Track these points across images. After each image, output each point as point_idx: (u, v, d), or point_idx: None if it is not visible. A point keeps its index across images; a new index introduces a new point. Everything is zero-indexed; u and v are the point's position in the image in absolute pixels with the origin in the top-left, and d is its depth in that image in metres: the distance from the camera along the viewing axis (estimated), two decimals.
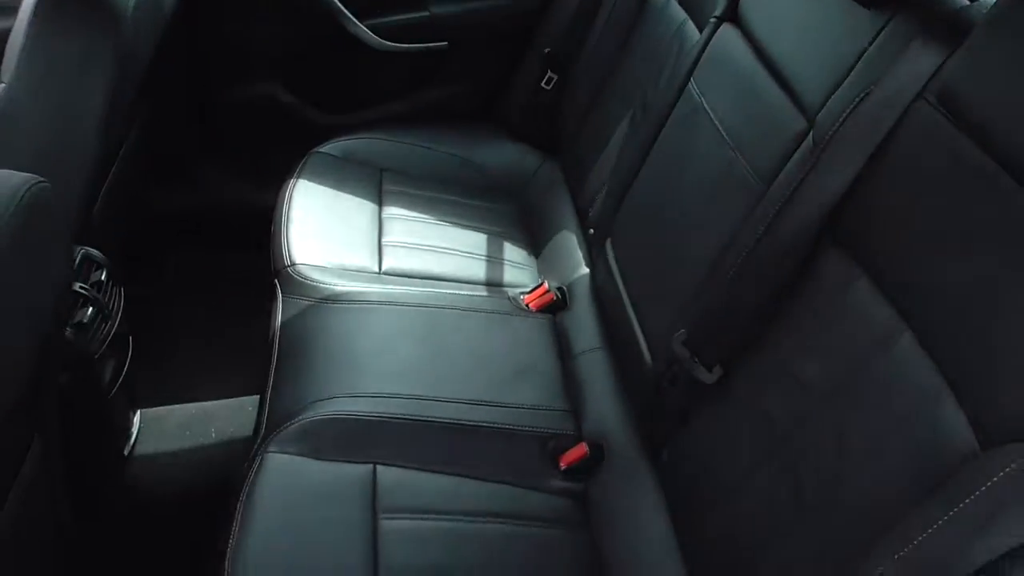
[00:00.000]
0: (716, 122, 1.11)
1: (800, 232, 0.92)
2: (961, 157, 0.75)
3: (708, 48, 1.18)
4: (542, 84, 1.72)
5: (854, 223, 0.87)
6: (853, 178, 0.87)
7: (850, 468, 0.80)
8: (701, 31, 1.27)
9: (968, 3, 0.82)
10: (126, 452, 1.26)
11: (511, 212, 1.68)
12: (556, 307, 1.45)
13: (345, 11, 1.65)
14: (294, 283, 1.35)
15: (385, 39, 1.68)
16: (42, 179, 0.75)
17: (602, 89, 1.60)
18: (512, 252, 1.57)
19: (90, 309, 1.04)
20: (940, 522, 0.66)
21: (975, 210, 0.73)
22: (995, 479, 0.63)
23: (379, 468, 1.10)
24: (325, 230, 1.46)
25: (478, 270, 1.50)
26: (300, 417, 1.12)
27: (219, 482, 1.23)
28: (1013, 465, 0.62)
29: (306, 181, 1.55)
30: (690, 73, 1.21)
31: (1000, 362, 0.68)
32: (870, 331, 0.82)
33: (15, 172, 0.73)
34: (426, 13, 1.72)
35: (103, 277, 1.10)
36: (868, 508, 0.76)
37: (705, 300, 1.04)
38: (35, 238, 0.74)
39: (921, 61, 0.82)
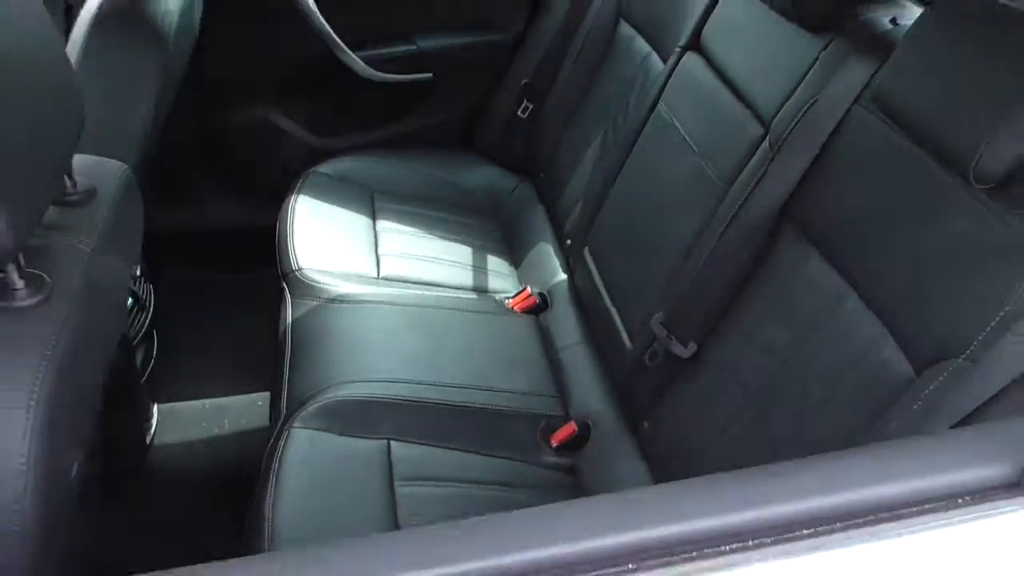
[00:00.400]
0: (684, 135, 1.29)
1: (760, 220, 1.09)
2: (892, 148, 0.93)
3: (675, 73, 1.36)
4: (518, 112, 1.89)
5: (806, 209, 1.05)
6: (804, 172, 1.05)
7: (812, 406, 0.95)
8: (664, 61, 1.46)
9: (891, 26, 1.01)
10: (148, 440, 1.34)
11: (491, 228, 1.83)
12: (538, 309, 1.59)
13: (340, 43, 1.79)
14: (302, 286, 1.47)
15: (376, 70, 1.83)
16: (127, 166, 0.87)
17: (574, 116, 1.77)
18: (495, 262, 1.71)
19: (129, 299, 1.14)
20: (887, 431, 0.81)
21: (905, 188, 0.91)
22: (926, 392, 0.79)
23: (392, 443, 1.21)
24: (327, 239, 1.58)
25: (466, 277, 1.64)
26: (319, 399, 1.23)
27: (235, 467, 1.32)
28: (940, 379, 0.78)
29: (306, 197, 1.67)
30: (659, 95, 1.39)
31: (926, 305, 0.84)
32: (823, 296, 0.99)
33: (107, 159, 0.85)
34: (414, 47, 1.88)
35: (137, 272, 1.20)
36: (828, 436, 0.92)
37: (680, 284, 1.20)
38: (128, 220, 0.85)
39: (856, 74, 1.00)
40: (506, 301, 1.60)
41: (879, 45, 0.99)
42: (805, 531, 0.46)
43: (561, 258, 1.65)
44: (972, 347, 0.76)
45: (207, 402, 1.52)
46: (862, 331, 0.93)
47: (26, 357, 0.66)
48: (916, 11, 1.03)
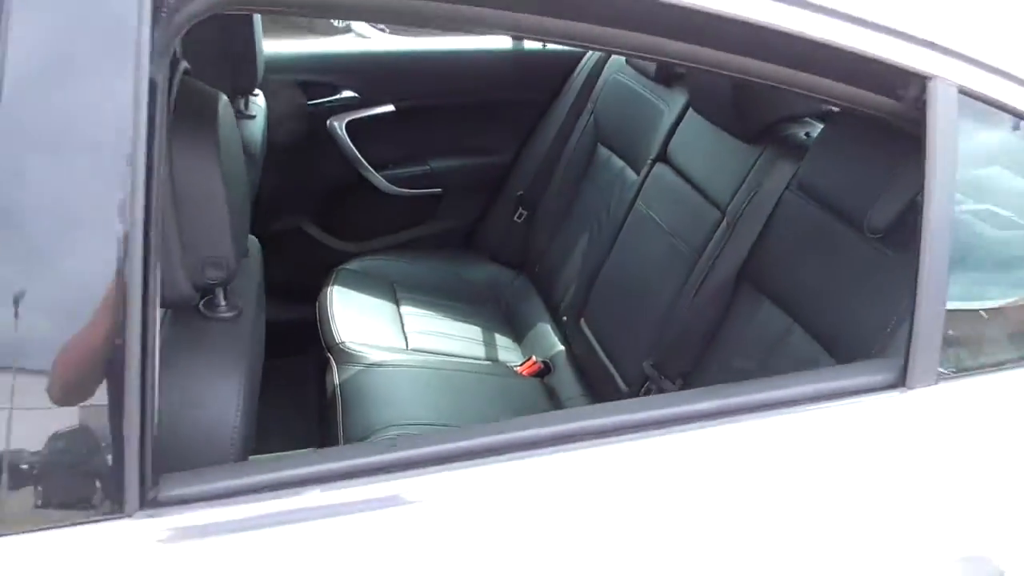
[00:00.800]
0: (660, 223, 1.66)
1: (723, 280, 1.44)
2: (812, 217, 1.29)
3: (648, 178, 1.75)
4: (515, 218, 2.25)
5: (757, 269, 1.40)
6: (753, 243, 1.41)
7: None
8: (637, 172, 1.85)
9: (805, 138, 1.41)
10: None
11: (495, 313, 2.14)
12: (542, 374, 1.89)
13: (366, 164, 2.17)
14: (345, 355, 1.75)
15: (396, 186, 2.20)
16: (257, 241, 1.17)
17: (563, 220, 2.14)
18: (501, 339, 2.02)
19: None
20: None
21: (822, 244, 1.26)
22: None
23: None
24: (361, 319, 1.88)
25: (479, 350, 1.94)
26: (373, 437, 1.49)
27: None
28: None
29: (339, 287, 1.98)
30: (636, 196, 1.77)
31: (846, 323, 1.18)
32: (775, 331, 1.32)
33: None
34: (426, 167, 2.26)
35: None
36: None
37: (665, 336, 1.52)
38: (262, 276, 1.15)
39: (785, 171, 1.39)
40: (515, 368, 1.89)
41: (798, 150, 1.38)
42: (765, 410, 0.77)
43: (559, 333, 1.97)
44: (877, 345, 1.09)
45: (267, 455, 1.75)
46: (805, 352, 1.25)
47: (233, 351, 0.94)
48: (820, 127, 1.43)
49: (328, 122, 2.16)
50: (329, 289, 1.97)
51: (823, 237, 1.27)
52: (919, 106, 0.79)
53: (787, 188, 1.37)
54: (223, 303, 0.97)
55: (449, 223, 2.33)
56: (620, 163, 1.98)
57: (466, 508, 0.72)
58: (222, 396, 0.91)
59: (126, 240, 0.60)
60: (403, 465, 0.71)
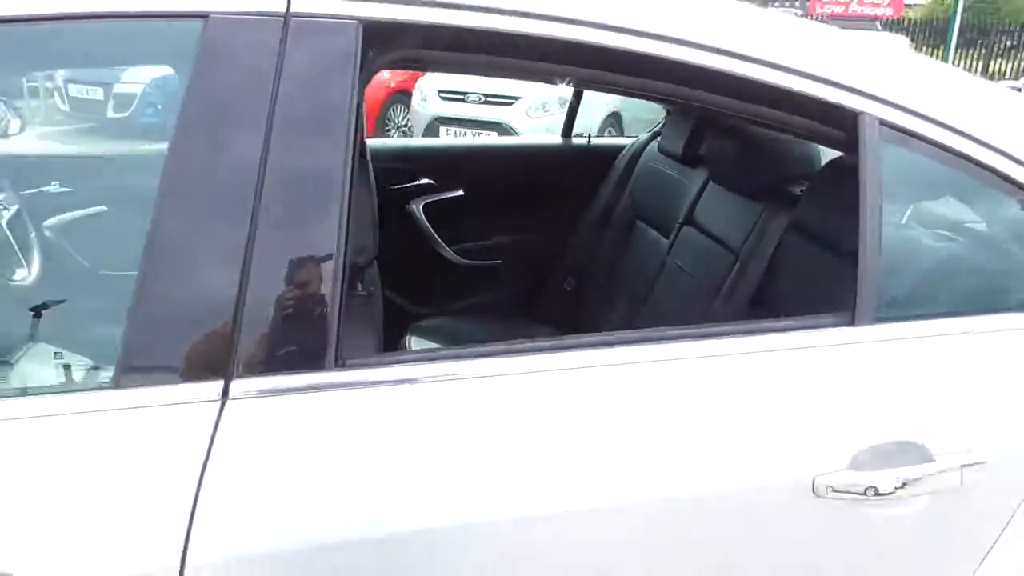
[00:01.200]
0: (685, 269, 2.00)
1: (738, 310, 1.76)
2: (805, 250, 1.62)
3: (677, 238, 2.11)
4: (564, 286, 2.61)
5: (765, 296, 1.72)
6: (760, 277, 1.73)
7: None
8: (667, 236, 2.21)
9: (799, 193, 1.77)
10: None
11: None
12: None
13: (439, 239, 2.57)
14: None
15: (463, 258, 2.59)
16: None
17: (606, 285, 2.49)
18: None
19: None
20: None
21: (815, 271, 1.59)
22: None
23: None
24: None
25: None
26: None
27: None
28: None
29: (416, 338, 2.33)
30: (668, 254, 2.12)
31: None
32: None
33: None
34: (489, 242, 2.65)
35: None
36: None
37: None
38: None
39: (783, 218, 1.73)
40: None
41: (792, 202, 1.74)
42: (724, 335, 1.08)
43: None
44: None
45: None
46: None
47: (368, 321, 1.29)
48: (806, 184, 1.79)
49: (408, 204, 2.58)
50: (407, 338, 2.32)
51: (813, 263, 1.59)
52: (855, 134, 1.14)
53: (785, 231, 1.71)
54: (360, 285, 1.33)
55: (507, 291, 2.69)
56: (654, 233, 2.35)
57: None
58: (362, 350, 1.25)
59: (339, 218, 0.95)
60: (474, 355, 1.04)
